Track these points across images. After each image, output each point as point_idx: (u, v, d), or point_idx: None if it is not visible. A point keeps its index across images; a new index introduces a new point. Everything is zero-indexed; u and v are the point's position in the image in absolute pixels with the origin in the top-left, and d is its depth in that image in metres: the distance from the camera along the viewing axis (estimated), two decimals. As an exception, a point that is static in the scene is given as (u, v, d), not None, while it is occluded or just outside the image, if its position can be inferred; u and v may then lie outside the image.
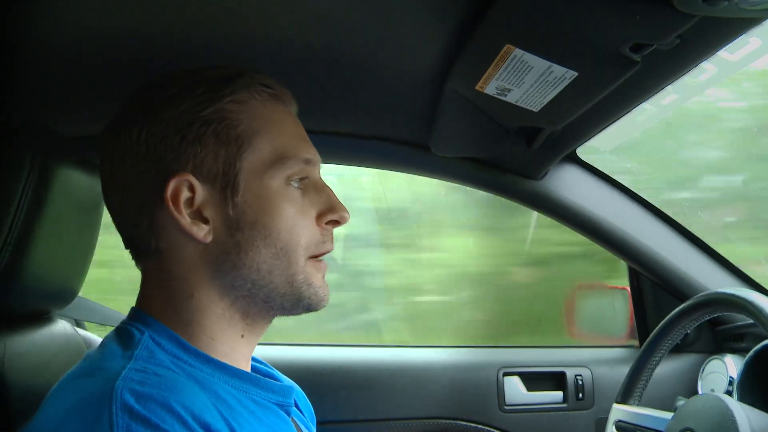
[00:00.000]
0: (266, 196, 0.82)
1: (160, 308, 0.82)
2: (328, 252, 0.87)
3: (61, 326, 1.12)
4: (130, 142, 0.80)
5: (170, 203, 0.79)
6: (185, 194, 0.79)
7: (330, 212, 0.86)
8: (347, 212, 0.88)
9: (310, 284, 0.84)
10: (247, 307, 0.84)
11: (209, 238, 0.80)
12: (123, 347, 0.76)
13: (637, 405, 1.29)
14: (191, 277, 0.81)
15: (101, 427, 0.63)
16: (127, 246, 0.86)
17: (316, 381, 1.55)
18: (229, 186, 0.80)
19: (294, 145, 0.85)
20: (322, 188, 0.88)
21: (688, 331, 1.26)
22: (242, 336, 0.85)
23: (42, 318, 1.09)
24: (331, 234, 0.88)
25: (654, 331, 1.27)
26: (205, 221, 0.80)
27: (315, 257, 0.86)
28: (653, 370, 1.28)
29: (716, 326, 1.62)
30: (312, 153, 0.87)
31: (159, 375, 0.72)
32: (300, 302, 0.85)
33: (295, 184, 0.84)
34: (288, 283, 0.83)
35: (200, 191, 0.80)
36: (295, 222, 0.83)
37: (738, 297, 1.10)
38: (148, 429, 0.64)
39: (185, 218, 0.79)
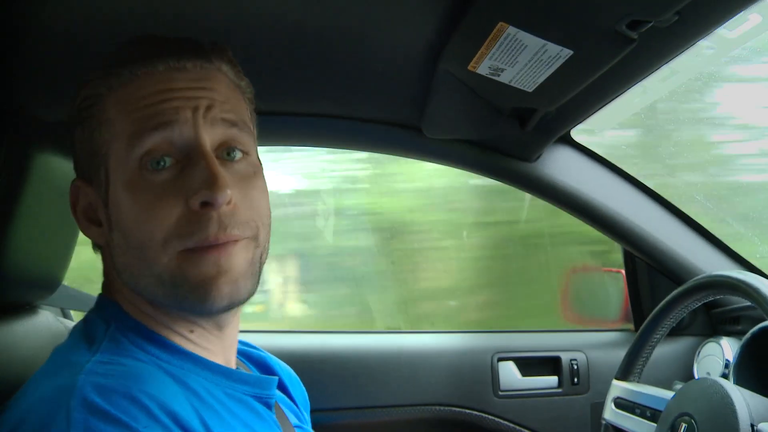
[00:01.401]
0: (122, 187, 0.72)
1: (122, 296, 0.79)
2: (202, 244, 0.71)
3: (45, 317, 1.10)
4: None
5: (72, 208, 0.80)
6: (83, 198, 0.79)
7: (197, 192, 0.70)
8: (219, 190, 0.69)
9: (182, 283, 0.71)
10: (162, 308, 0.76)
11: (102, 241, 0.79)
12: (89, 340, 0.74)
13: (637, 382, 1.28)
14: (114, 277, 0.79)
15: (58, 424, 0.61)
16: None
17: (310, 368, 1.52)
18: (102, 184, 0.76)
19: (144, 114, 0.71)
20: (195, 161, 0.71)
21: (685, 314, 1.25)
22: (191, 331, 0.78)
23: (25, 308, 1.07)
24: (208, 219, 0.70)
25: (654, 310, 1.26)
26: (98, 224, 0.78)
27: (187, 251, 0.71)
28: (653, 348, 1.27)
29: (711, 309, 1.61)
30: (168, 113, 0.71)
31: (125, 365, 0.70)
32: (183, 304, 0.73)
33: (154, 166, 0.71)
34: (159, 284, 0.72)
35: (90, 194, 0.78)
36: (149, 213, 0.70)
37: (739, 280, 1.08)
38: (108, 423, 0.61)
39: (81, 222, 0.80)
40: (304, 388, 1.06)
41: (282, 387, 0.98)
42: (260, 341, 1.05)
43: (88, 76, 0.77)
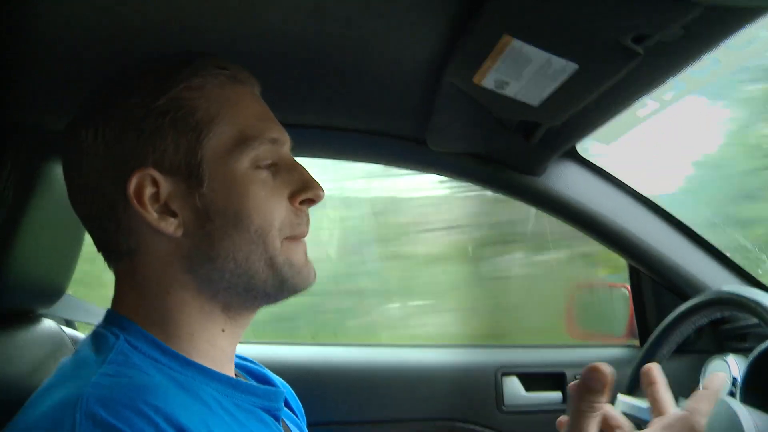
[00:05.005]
0: (233, 181, 0.79)
1: (136, 309, 0.79)
2: (303, 235, 0.85)
3: (47, 326, 1.10)
4: (87, 143, 0.78)
5: (134, 200, 0.76)
6: (149, 189, 0.77)
7: (303, 191, 0.83)
8: (322, 189, 0.85)
9: (291, 264, 0.82)
10: (229, 298, 0.81)
11: (179, 232, 0.78)
12: (96, 352, 0.74)
13: (643, 397, 1.26)
14: (166, 274, 0.79)
15: None
16: (99, 249, 0.83)
17: (310, 381, 1.52)
18: (193, 176, 0.78)
19: (256, 125, 0.82)
20: (293, 167, 0.85)
21: (692, 330, 1.24)
22: (223, 330, 0.82)
23: (27, 317, 1.07)
24: (307, 215, 0.85)
25: (660, 326, 1.24)
26: (173, 215, 0.78)
27: (290, 239, 0.83)
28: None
29: (718, 325, 1.59)
30: (278, 132, 0.84)
31: (130, 377, 0.70)
32: (284, 285, 0.82)
33: (264, 166, 0.82)
34: (268, 267, 0.80)
35: (164, 184, 0.77)
36: (267, 204, 0.80)
37: (745, 297, 1.07)
38: None
39: (152, 214, 0.77)
40: (300, 403, 1.06)
41: (285, 402, 0.98)
42: (259, 353, 1.05)
43: (161, 67, 0.81)
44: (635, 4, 0.77)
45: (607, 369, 0.72)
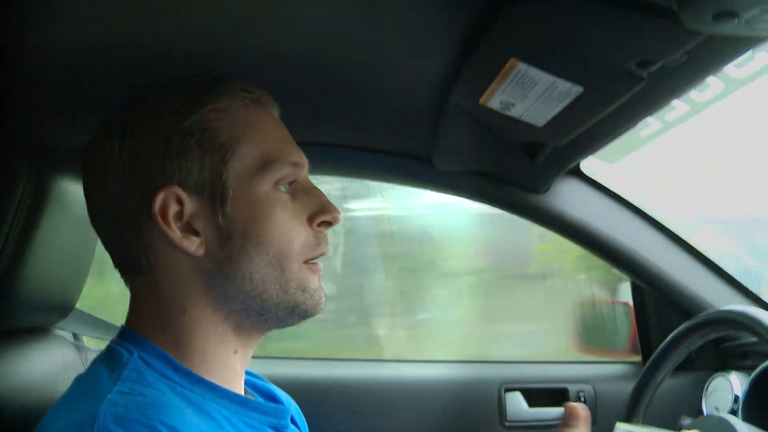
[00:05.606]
0: (255, 202, 0.80)
1: (151, 326, 0.80)
2: (322, 255, 0.86)
3: (58, 340, 1.11)
4: (112, 160, 0.79)
5: (159, 217, 0.77)
6: (174, 207, 0.78)
7: (322, 214, 0.85)
8: (339, 212, 0.86)
9: (304, 290, 0.83)
10: (241, 320, 0.82)
11: (201, 251, 0.79)
12: (110, 369, 0.75)
13: (641, 424, 1.26)
14: (183, 293, 0.80)
15: None
16: (116, 265, 0.84)
17: (313, 395, 1.53)
18: (217, 196, 0.79)
19: (279, 148, 0.84)
20: (311, 190, 0.86)
21: (690, 351, 1.24)
22: (235, 352, 0.83)
23: (38, 332, 1.08)
24: (325, 236, 0.87)
25: (659, 348, 1.25)
26: (196, 234, 0.79)
27: (309, 260, 0.84)
28: (657, 388, 1.26)
29: (720, 343, 1.60)
30: (298, 156, 0.86)
31: (145, 395, 0.71)
32: (295, 310, 0.83)
33: (284, 188, 0.83)
34: (283, 291, 0.81)
35: (188, 203, 0.78)
36: (287, 226, 0.81)
37: (745, 315, 1.08)
38: None
39: (175, 232, 0.78)
40: (303, 418, 1.07)
41: (290, 418, 0.99)
42: (263, 368, 1.06)
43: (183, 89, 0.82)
44: (640, 32, 0.78)
45: (583, 411, 0.81)
